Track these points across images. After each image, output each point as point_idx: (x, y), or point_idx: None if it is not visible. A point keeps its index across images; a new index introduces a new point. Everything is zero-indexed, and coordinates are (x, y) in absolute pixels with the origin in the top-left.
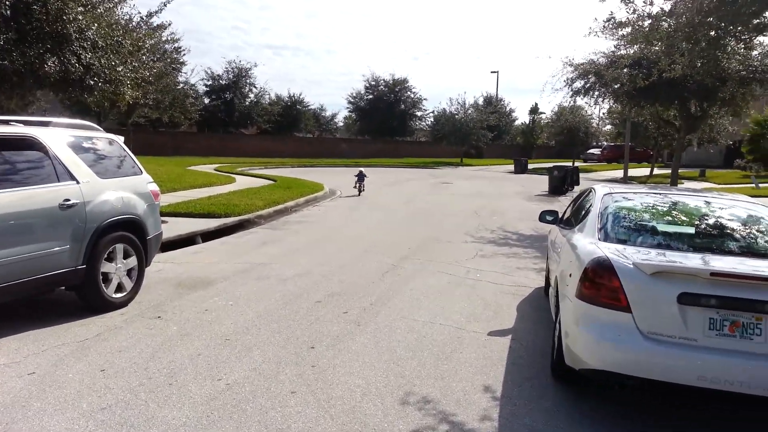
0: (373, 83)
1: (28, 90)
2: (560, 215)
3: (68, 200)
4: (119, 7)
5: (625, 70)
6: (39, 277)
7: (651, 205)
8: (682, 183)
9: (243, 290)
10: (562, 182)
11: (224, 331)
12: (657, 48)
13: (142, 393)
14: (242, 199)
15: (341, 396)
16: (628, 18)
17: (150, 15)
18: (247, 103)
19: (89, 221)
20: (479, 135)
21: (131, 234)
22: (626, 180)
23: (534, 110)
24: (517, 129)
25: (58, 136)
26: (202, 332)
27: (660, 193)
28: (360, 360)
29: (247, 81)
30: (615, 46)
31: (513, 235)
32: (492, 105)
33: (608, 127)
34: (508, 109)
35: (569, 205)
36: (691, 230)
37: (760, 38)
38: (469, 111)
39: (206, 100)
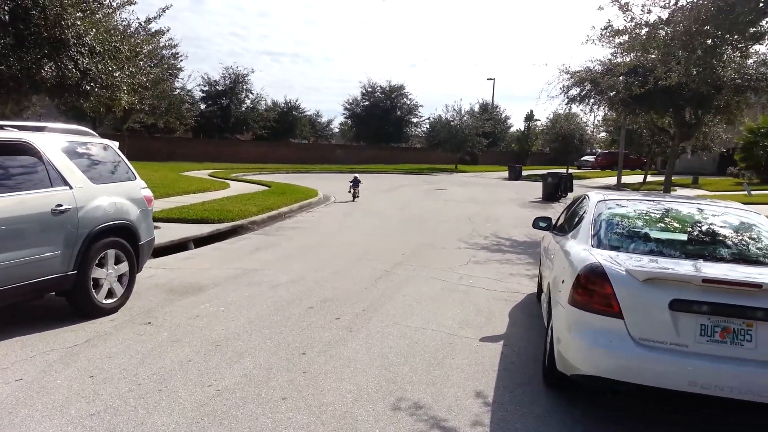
0: (369, 90)
1: (24, 95)
2: (554, 222)
3: (61, 205)
4: (118, 13)
5: (621, 77)
6: (29, 282)
7: (644, 212)
8: (676, 190)
9: (235, 296)
10: (556, 189)
11: (215, 337)
12: (653, 56)
13: (131, 399)
14: (236, 205)
15: (332, 402)
16: (625, 26)
17: (148, 21)
18: (243, 108)
19: (81, 227)
20: (474, 142)
21: (123, 239)
22: (620, 187)
23: (529, 117)
24: (512, 136)
25: (53, 141)
26: (192, 338)
27: (653, 200)
28: (352, 366)
29: (244, 87)
30: (612, 54)
31: (506, 241)
32: (488, 112)
33: (602, 134)
34: (503, 116)
35: (563, 212)
36: (684, 237)
37: (756, 47)
38: (465, 118)
39: (202, 106)
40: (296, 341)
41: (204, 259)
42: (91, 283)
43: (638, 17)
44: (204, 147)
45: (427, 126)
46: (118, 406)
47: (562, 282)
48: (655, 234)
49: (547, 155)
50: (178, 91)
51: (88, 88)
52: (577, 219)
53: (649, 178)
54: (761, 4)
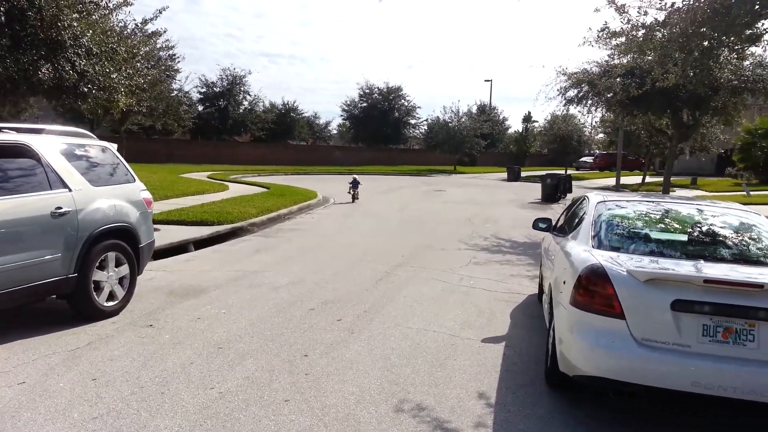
0: (367, 91)
1: (21, 97)
2: (554, 223)
3: (60, 208)
4: (114, 14)
5: (618, 79)
6: (30, 285)
7: (644, 212)
8: (674, 191)
9: (236, 298)
10: (554, 190)
11: (217, 339)
12: (650, 58)
13: (134, 402)
14: (235, 207)
15: (335, 404)
16: (622, 28)
17: (145, 22)
18: (240, 110)
19: (81, 229)
20: (472, 143)
21: (123, 242)
22: (618, 188)
23: (527, 118)
24: (510, 137)
25: (51, 143)
26: (194, 341)
27: (653, 201)
28: (354, 368)
29: (241, 88)
30: (609, 56)
31: (506, 242)
32: (485, 113)
33: (600, 135)
34: (501, 117)
35: (563, 213)
36: (684, 238)
37: (753, 48)
38: (463, 119)
39: (200, 108)
40: (298, 343)
41: (204, 261)
42: (92, 285)
43: (635, 19)
44: (202, 149)
45: (425, 127)
46: (121, 409)
47: (564, 283)
48: (655, 235)
49: (545, 156)
50: (175, 92)
51: (86, 89)
52: (577, 220)
53: (648, 179)
54: (757, 7)
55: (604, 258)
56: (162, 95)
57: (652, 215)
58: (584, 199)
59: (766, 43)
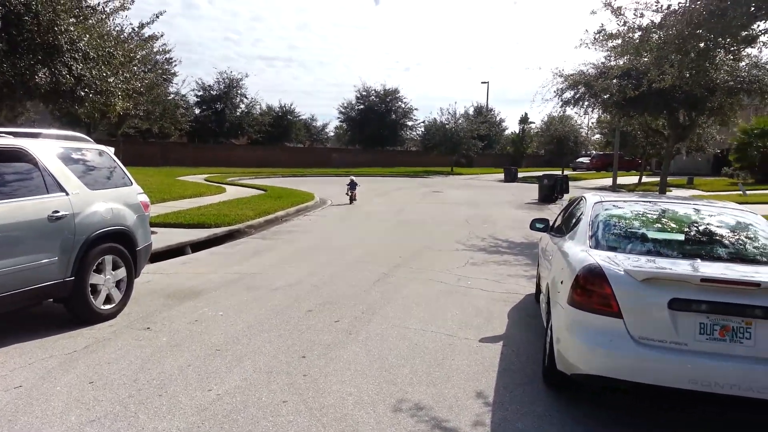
0: (364, 93)
1: (18, 101)
2: (551, 223)
3: (57, 212)
4: (111, 18)
5: (614, 80)
6: (27, 289)
7: (641, 212)
8: (671, 191)
9: (233, 300)
10: (551, 191)
11: (214, 341)
12: (647, 59)
13: (131, 405)
14: (232, 209)
15: (333, 404)
16: (618, 30)
17: (142, 26)
18: (237, 113)
19: (78, 233)
20: (469, 144)
21: (120, 245)
22: (615, 188)
23: (524, 120)
24: (507, 138)
25: (48, 147)
26: (191, 343)
27: (650, 201)
28: (352, 368)
29: (238, 92)
30: (605, 58)
31: (504, 242)
32: (482, 115)
33: (597, 136)
34: (498, 118)
35: (560, 214)
36: (681, 237)
37: (749, 50)
38: (460, 121)
39: (197, 111)
40: (296, 344)
41: (201, 264)
42: (89, 289)
43: (631, 21)
44: (199, 152)
45: (423, 129)
46: (119, 412)
47: (561, 283)
48: (652, 234)
49: (542, 157)
50: (172, 96)
51: (83, 93)
52: (574, 220)
53: (645, 179)
54: (752, 9)
55: (601, 258)
56: (159, 99)
57: (649, 215)
58: (581, 199)
59: (761, 44)
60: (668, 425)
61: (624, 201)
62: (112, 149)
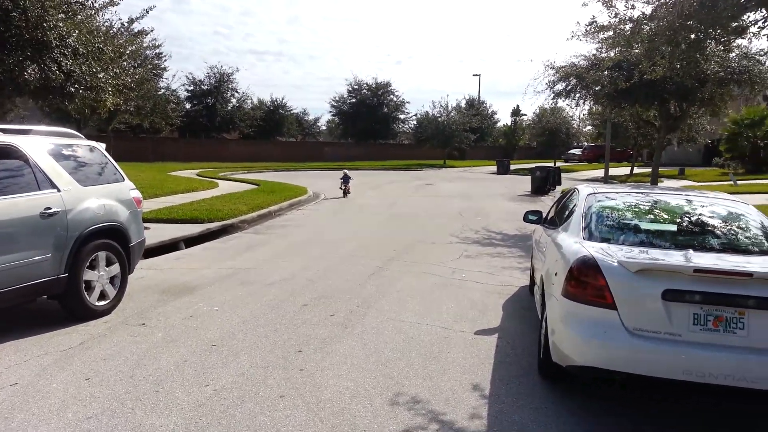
0: (356, 87)
1: (7, 98)
2: (544, 215)
3: (49, 209)
4: (100, 14)
5: (606, 72)
6: (20, 286)
7: (634, 204)
8: (662, 181)
9: (228, 295)
10: (544, 182)
11: (210, 336)
12: (638, 51)
13: (128, 401)
14: (225, 204)
15: (330, 398)
16: (609, 22)
17: (131, 21)
18: (229, 108)
19: (71, 229)
20: (462, 137)
21: (114, 241)
22: (607, 179)
23: (516, 112)
24: (499, 131)
25: (39, 144)
26: (187, 338)
27: (642, 193)
28: (348, 362)
29: (229, 86)
30: (596, 50)
31: (497, 235)
32: (474, 107)
33: (589, 127)
34: (490, 111)
35: (553, 205)
36: (674, 228)
37: (739, 41)
38: (452, 113)
39: (188, 106)
40: (292, 339)
41: (195, 259)
42: (83, 285)
43: (622, 13)
44: (190, 147)
45: (415, 122)
46: (116, 408)
47: (555, 275)
48: (645, 225)
49: (534, 149)
50: (163, 91)
51: (73, 89)
52: (567, 212)
53: (636, 170)
54: (742, 0)
55: (595, 249)
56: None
57: (642, 206)
58: (574, 191)
59: (751, 35)
60: (661, 416)
61: (617, 192)
62: (103, 145)
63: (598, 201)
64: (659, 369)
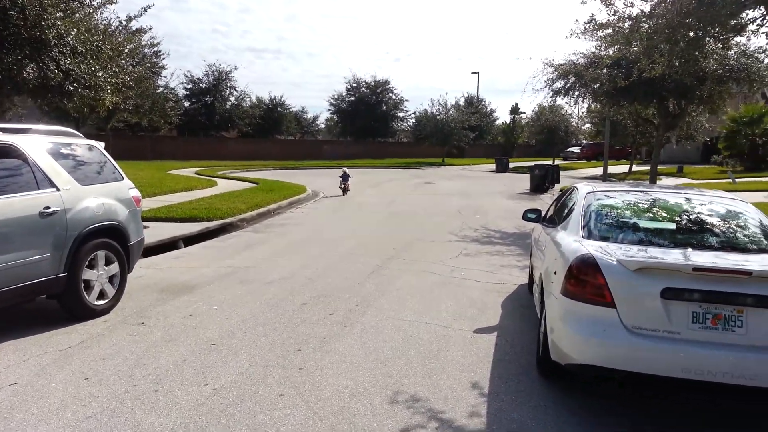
0: (354, 85)
1: (5, 96)
2: (543, 214)
3: (49, 208)
4: (99, 12)
5: (604, 70)
6: (20, 286)
7: (633, 202)
8: (661, 179)
9: (227, 294)
10: (543, 180)
11: (209, 335)
12: (637, 48)
13: (128, 400)
14: (224, 203)
15: (330, 397)
16: (608, 20)
17: (129, 19)
18: (227, 106)
19: (70, 229)
20: (461, 135)
21: (113, 240)
22: (606, 177)
23: (514, 110)
24: (498, 129)
25: (37, 143)
26: (186, 338)
27: (641, 191)
28: (347, 361)
29: (228, 84)
30: (595, 47)
31: (496, 233)
32: (473, 105)
33: (587, 125)
34: (489, 109)
35: (552, 204)
36: (673, 226)
37: (737, 38)
38: (451, 112)
39: (186, 104)
40: (291, 338)
41: (194, 258)
42: (82, 284)
43: (621, 11)
44: (189, 145)
45: (414, 120)
46: (115, 408)
47: (554, 273)
48: (644, 224)
49: (533, 147)
50: (161, 89)
51: (72, 88)
52: (566, 211)
53: (635, 168)
54: None
55: (594, 248)
56: (148, 92)
57: (641, 205)
58: (573, 189)
59: (750, 32)
60: (661, 415)
61: (616, 191)
62: (102, 144)
63: (597, 199)
64: (658, 367)
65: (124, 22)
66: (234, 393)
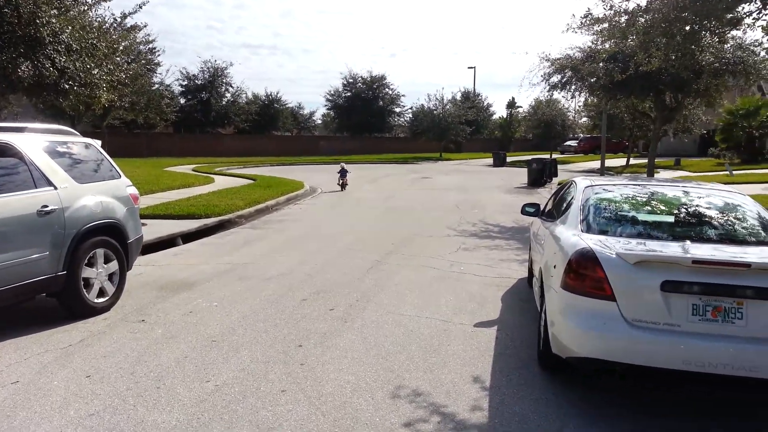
0: (350, 81)
1: (0, 95)
2: (542, 208)
3: (46, 206)
4: (93, 10)
5: (601, 64)
6: (18, 285)
7: (631, 196)
8: (658, 172)
9: (227, 291)
10: (540, 174)
11: (210, 332)
12: (633, 42)
13: (130, 398)
14: (222, 199)
15: (331, 392)
16: (605, 14)
17: (124, 16)
18: (223, 102)
19: (68, 227)
20: (458, 130)
21: (111, 238)
22: (603, 171)
23: (511, 104)
24: (495, 123)
25: (34, 141)
26: (187, 334)
27: (639, 184)
28: (349, 356)
29: (223, 80)
30: (592, 42)
31: (494, 227)
32: (470, 100)
33: (584, 119)
34: (485, 103)
35: (550, 198)
36: (671, 219)
37: (734, 32)
38: (447, 106)
39: (182, 101)
40: (292, 334)
41: (193, 255)
42: (82, 282)
43: (617, 5)
44: (185, 142)
45: (410, 115)
46: (117, 405)
47: (554, 267)
48: (643, 217)
49: (530, 141)
50: (156, 86)
51: (67, 86)
52: (565, 205)
53: (632, 161)
54: None
55: (593, 242)
56: (143, 89)
57: (639, 198)
58: (572, 183)
59: (746, 26)
60: (661, 405)
61: (614, 185)
62: (99, 142)
63: (596, 193)
64: (658, 359)
65: (119, 19)
66: (236, 389)
